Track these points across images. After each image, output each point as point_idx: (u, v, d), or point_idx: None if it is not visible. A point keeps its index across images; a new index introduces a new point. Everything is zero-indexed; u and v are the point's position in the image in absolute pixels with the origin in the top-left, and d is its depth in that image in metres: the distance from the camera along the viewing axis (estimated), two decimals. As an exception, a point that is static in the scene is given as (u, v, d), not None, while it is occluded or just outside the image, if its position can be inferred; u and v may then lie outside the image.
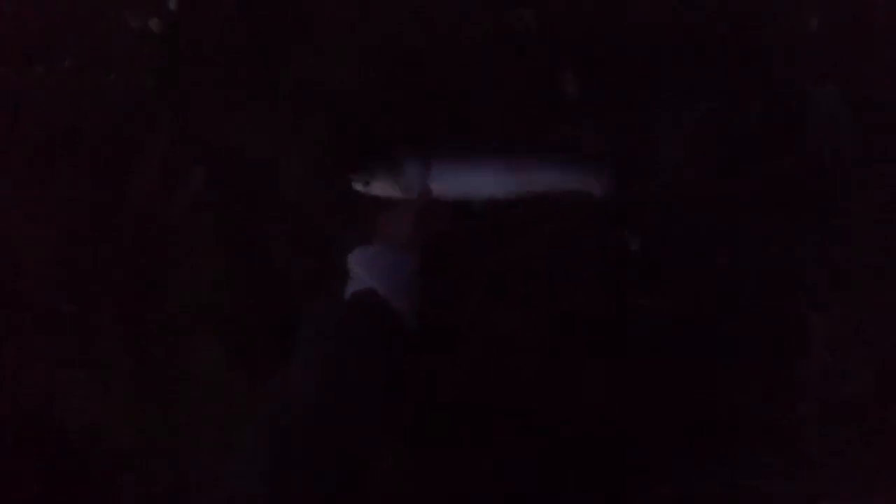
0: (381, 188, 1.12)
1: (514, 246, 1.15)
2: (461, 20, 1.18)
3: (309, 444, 0.77)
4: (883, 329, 1.17)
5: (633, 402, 1.14)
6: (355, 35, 1.21)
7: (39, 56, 1.46)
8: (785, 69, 1.16)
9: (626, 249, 1.14)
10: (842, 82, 1.19)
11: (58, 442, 1.35)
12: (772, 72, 1.16)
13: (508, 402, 1.13)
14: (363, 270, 0.97)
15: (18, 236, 1.39)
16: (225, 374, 1.23)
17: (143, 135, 1.35)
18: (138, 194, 1.35)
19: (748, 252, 1.15)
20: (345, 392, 0.84)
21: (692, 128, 1.15)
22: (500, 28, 1.17)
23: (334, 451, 0.79)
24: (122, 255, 1.34)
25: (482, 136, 1.17)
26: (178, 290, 1.28)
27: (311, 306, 1.07)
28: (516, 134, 1.17)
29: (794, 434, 1.14)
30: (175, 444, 1.29)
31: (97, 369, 1.33)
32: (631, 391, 1.14)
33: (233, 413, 1.22)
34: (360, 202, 1.13)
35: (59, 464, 1.35)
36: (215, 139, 1.28)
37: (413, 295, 0.98)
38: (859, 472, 1.14)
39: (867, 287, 1.18)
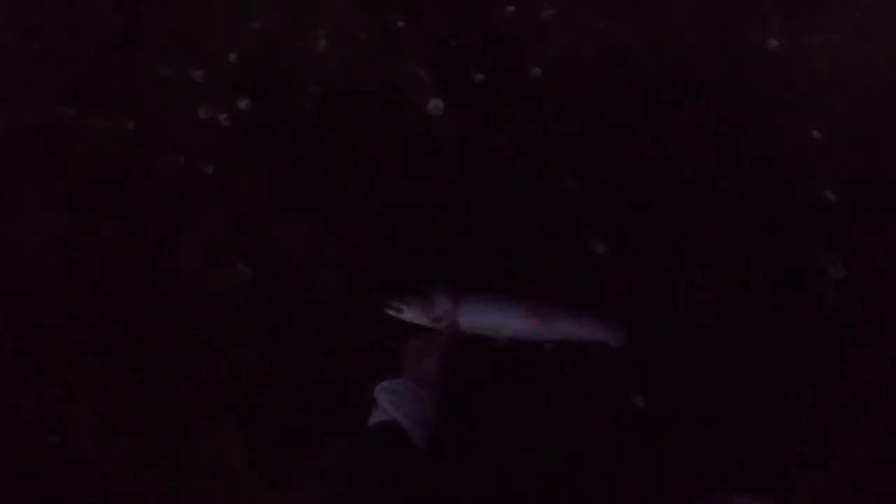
0: (412, 315, 1.21)
1: (531, 385, 1.22)
2: (508, 174, 1.28)
3: None
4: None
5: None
6: (407, 169, 1.30)
7: (102, 109, 1.56)
8: (800, 239, 1.24)
9: (633, 405, 1.21)
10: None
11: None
12: (789, 242, 1.23)
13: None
14: (389, 403, 1.05)
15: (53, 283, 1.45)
16: (235, 463, 1.30)
17: (194, 215, 1.45)
18: (178, 269, 1.43)
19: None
20: None
21: (710, 296, 1.22)
22: (544, 187, 1.25)
23: None
24: (152, 321, 1.40)
25: (510, 281, 1.26)
26: (198, 372, 1.35)
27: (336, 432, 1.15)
28: (542, 282, 1.24)
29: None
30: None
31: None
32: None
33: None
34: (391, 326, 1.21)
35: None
36: (260, 237, 1.37)
37: (433, 430, 1.05)
38: None
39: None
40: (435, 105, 1.34)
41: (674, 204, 1.26)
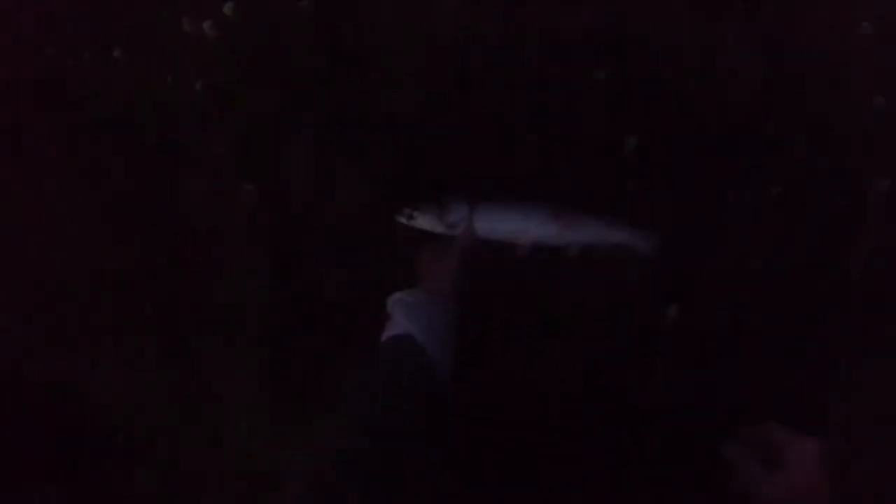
0: (425, 222, 1.12)
1: (554, 295, 1.14)
2: (529, 69, 1.18)
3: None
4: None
5: (656, 457, 1.12)
6: (414, 69, 1.20)
7: (88, 42, 1.45)
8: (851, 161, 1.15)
9: (665, 315, 1.12)
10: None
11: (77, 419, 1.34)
12: (839, 162, 1.14)
13: (538, 453, 1.11)
14: (403, 316, 0.97)
15: (57, 225, 1.39)
16: (252, 391, 1.22)
17: (195, 140, 1.35)
18: (186, 198, 1.35)
19: (782, 337, 1.13)
20: (380, 438, 0.84)
21: (748, 210, 1.13)
22: (568, 81, 1.16)
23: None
24: (163, 255, 1.33)
25: (530, 182, 1.17)
26: (214, 302, 1.27)
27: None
28: (566, 184, 1.15)
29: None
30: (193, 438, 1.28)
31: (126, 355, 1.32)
32: (652, 449, 1.12)
33: (254, 430, 1.22)
34: (405, 236, 1.13)
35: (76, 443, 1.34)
36: (263, 157, 1.28)
37: (449, 344, 0.98)
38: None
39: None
40: None
41: (715, 109, 1.15)
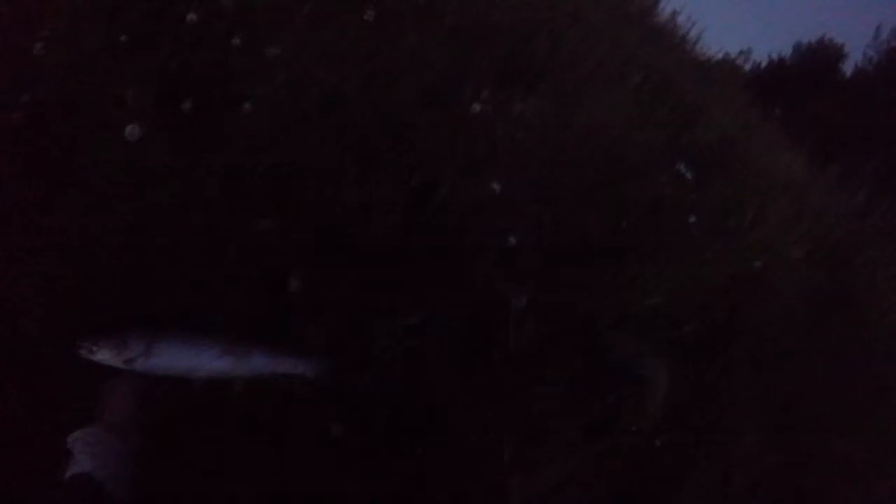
0: (104, 356, 1.18)
1: (232, 424, 1.24)
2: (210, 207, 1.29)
3: None
4: None
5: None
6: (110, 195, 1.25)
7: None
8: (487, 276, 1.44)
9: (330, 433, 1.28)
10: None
11: None
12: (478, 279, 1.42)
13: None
14: (83, 454, 1.02)
15: None
16: None
17: None
18: None
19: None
20: None
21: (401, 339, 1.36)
22: (241, 228, 1.29)
23: None
24: None
25: (205, 319, 1.27)
26: None
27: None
28: (238, 319, 1.29)
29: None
30: None
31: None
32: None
33: None
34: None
35: None
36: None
37: (129, 479, 1.04)
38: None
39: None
40: (132, 131, 1.31)
41: (371, 244, 1.37)
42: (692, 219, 1.92)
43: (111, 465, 1.04)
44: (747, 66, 7.71)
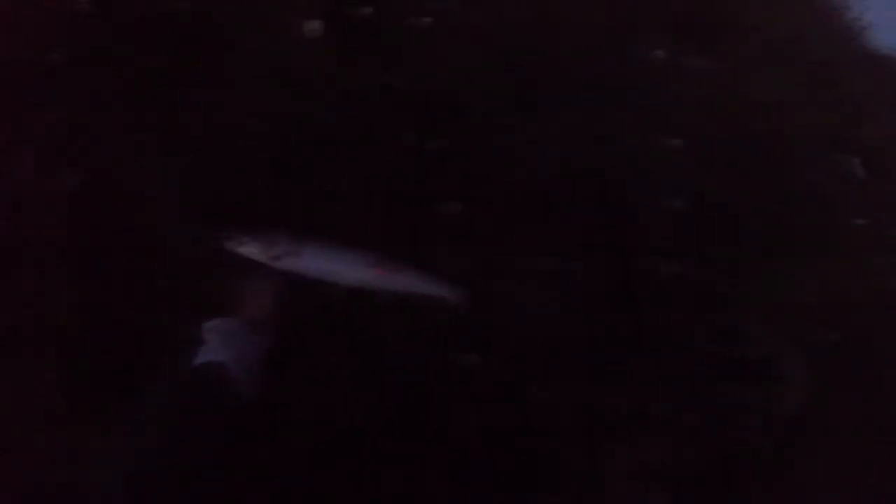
0: (251, 250, 1.14)
1: (366, 337, 1.22)
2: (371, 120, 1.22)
3: None
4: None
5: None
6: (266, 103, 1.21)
7: None
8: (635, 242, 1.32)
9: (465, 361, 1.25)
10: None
11: None
12: (622, 242, 1.31)
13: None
14: (217, 343, 1.00)
15: None
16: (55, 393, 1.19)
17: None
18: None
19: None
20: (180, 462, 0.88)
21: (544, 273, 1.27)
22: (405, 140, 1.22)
23: None
24: None
25: (354, 228, 1.23)
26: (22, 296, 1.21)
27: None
28: (387, 236, 1.23)
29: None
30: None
31: None
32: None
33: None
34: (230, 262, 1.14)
35: None
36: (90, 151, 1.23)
37: (259, 377, 1.02)
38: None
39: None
40: (311, 27, 1.23)
41: (530, 182, 1.28)
42: (858, 221, 1.72)
43: (244, 359, 1.01)
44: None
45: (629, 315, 1.40)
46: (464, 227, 1.26)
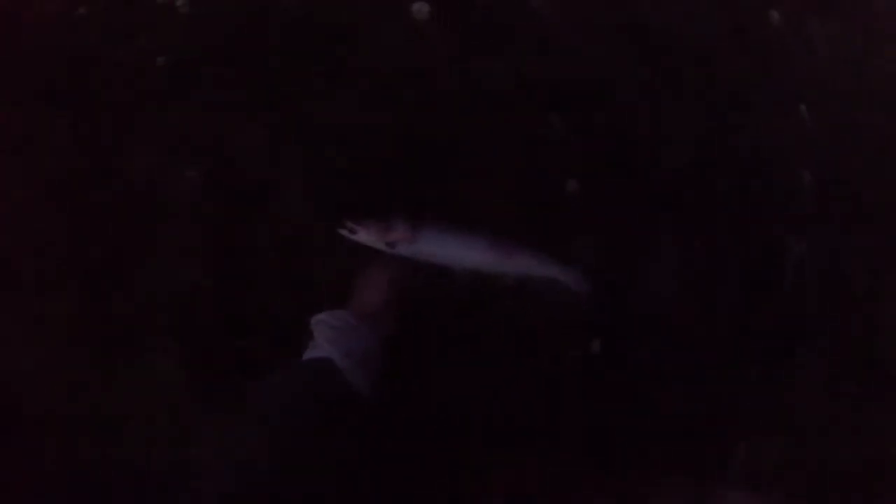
0: (366, 237, 1.11)
1: (485, 321, 1.16)
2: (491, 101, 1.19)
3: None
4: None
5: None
6: (375, 88, 1.20)
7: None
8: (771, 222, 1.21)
9: (588, 350, 1.16)
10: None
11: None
12: (761, 217, 1.20)
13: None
14: (325, 339, 0.96)
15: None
16: (176, 377, 1.19)
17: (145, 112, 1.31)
18: (129, 171, 1.31)
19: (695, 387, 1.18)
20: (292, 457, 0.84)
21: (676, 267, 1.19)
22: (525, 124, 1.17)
23: None
24: (99, 229, 1.27)
25: (471, 210, 1.18)
26: (148, 282, 1.23)
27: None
28: (507, 216, 1.18)
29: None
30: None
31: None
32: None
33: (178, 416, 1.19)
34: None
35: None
36: (212, 143, 1.25)
37: (370, 371, 0.97)
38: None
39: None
40: (419, 8, 1.22)
41: (657, 164, 1.21)
42: None
43: (356, 354, 0.95)
44: None
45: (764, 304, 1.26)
46: (591, 209, 1.18)
